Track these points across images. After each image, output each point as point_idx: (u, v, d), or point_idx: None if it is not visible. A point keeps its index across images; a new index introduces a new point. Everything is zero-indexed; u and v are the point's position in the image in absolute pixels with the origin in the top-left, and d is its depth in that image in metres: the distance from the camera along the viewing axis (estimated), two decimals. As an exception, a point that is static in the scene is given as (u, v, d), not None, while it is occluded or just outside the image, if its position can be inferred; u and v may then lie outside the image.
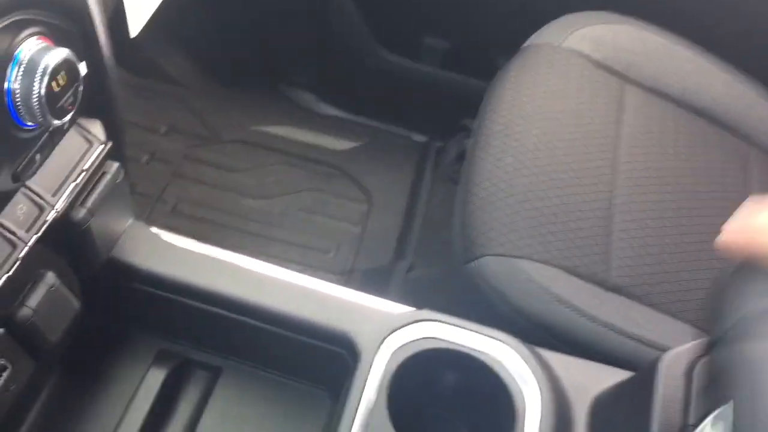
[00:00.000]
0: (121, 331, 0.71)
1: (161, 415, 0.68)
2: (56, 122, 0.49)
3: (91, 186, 0.58)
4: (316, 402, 0.68)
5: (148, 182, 1.33)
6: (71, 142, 0.56)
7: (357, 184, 1.40)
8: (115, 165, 0.60)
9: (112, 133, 0.60)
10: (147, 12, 0.75)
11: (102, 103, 0.58)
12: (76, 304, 0.60)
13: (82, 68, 0.50)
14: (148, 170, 1.36)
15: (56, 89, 0.48)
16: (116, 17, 0.72)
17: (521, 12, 1.31)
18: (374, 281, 1.25)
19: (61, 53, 0.48)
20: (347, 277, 1.27)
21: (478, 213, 0.95)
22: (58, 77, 0.48)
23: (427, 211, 1.38)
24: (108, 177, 0.59)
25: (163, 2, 1.28)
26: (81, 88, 0.50)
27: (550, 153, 0.97)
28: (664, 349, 0.56)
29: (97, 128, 0.58)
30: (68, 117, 0.50)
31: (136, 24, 0.74)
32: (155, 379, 0.68)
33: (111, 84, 0.58)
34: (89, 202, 0.58)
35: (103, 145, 0.58)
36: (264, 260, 0.68)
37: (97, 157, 0.58)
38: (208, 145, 1.42)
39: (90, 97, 0.55)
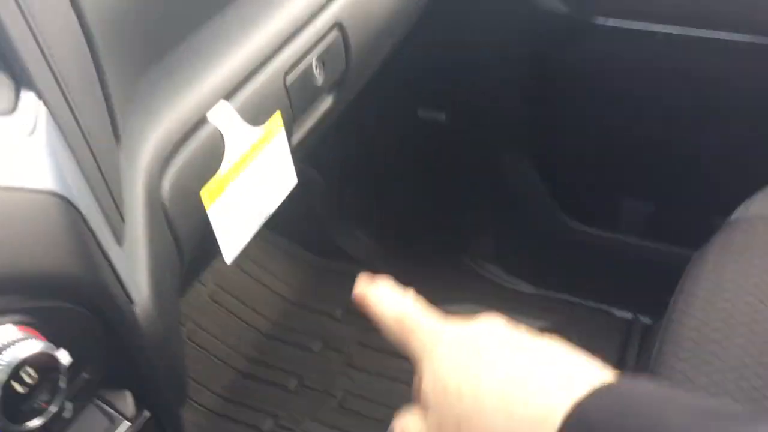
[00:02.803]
0: None
1: None
2: (21, 427, 0.40)
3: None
4: None
5: (317, 374, 1.25)
6: (87, 423, 0.48)
7: (547, 373, 1.21)
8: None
9: (151, 401, 0.51)
10: (242, 240, 0.68)
11: (129, 371, 0.49)
12: None
13: (63, 357, 0.41)
14: (319, 359, 1.28)
15: (20, 390, 0.39)
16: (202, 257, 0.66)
17: (745, 163, 1.08)
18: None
19: (30, 347, 0.40)
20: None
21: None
22: (23, 374, 0.39)
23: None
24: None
25: (342, 181, 1.24)
26: (62, 383, 0.42)
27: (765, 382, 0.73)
28: None
29: (124, 402, 0.50)
30: (39, 420, 0.41)
31: (231, 251, 0.67)
32: None
33: (146, 348, 0.50)
34: None
35: (129, 424, 0.49)
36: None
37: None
38: (384, 329, 1.31)
39: (115, 365, 0.47)
